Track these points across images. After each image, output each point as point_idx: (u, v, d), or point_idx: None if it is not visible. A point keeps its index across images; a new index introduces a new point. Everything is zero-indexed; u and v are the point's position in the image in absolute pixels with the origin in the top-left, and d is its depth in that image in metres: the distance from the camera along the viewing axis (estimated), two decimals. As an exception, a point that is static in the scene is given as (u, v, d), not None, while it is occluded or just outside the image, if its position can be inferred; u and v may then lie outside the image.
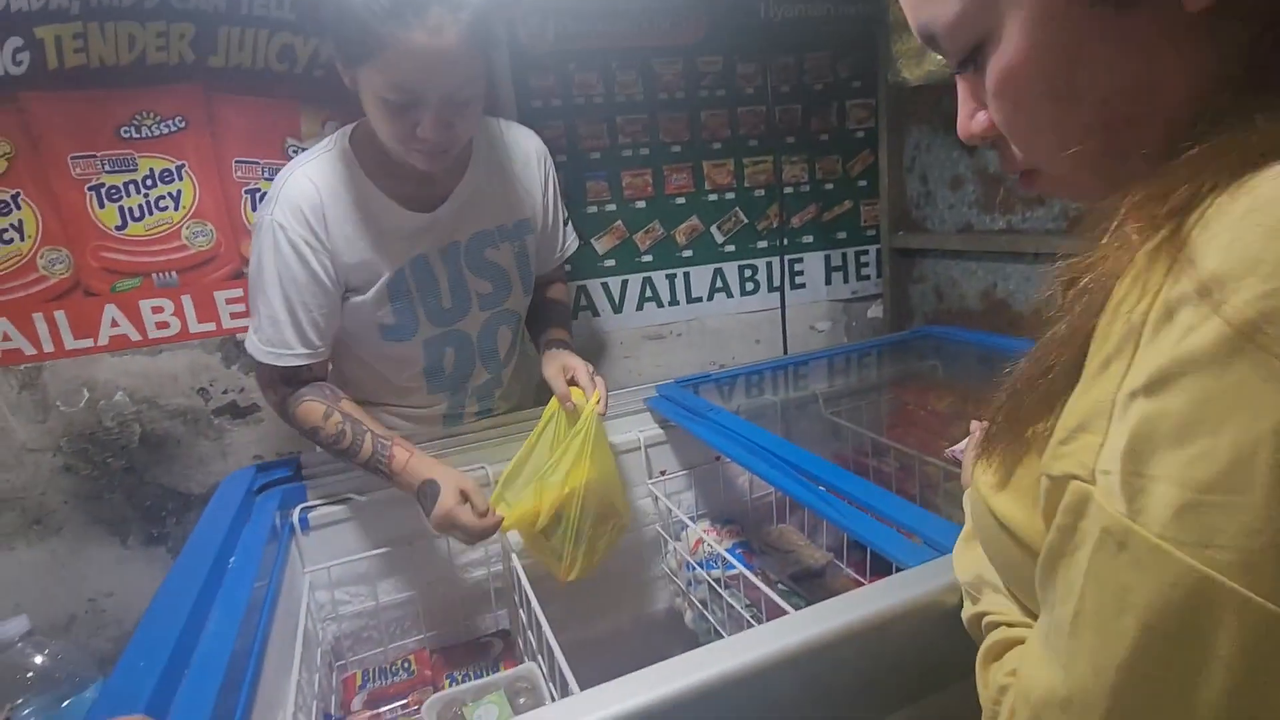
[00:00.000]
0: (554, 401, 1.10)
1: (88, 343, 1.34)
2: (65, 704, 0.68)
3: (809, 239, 1.79)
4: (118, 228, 1.32)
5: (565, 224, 1.24)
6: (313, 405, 1.00)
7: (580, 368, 1.10)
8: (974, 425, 0.69)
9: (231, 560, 0.84)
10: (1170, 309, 0.27)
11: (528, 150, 1.14)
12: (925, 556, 0.65)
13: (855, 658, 0.57)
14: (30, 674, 0.68)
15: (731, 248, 1.73)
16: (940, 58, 1.27)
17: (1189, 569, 0.26)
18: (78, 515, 1.40)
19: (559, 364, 1.12)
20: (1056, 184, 0.41)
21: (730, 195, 1.70)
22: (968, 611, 0.50)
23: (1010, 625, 0.44)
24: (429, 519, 0.95)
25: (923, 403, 1.34)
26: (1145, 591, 0.27)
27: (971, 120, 0.42)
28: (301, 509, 1.03)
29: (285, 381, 1.02)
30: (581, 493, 1.03)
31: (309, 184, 0.97)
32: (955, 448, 0.76)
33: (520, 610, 1.03)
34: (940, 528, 0.69)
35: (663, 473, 1.27)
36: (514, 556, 1.03)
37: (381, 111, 0.89)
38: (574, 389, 1.09)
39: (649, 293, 1.69)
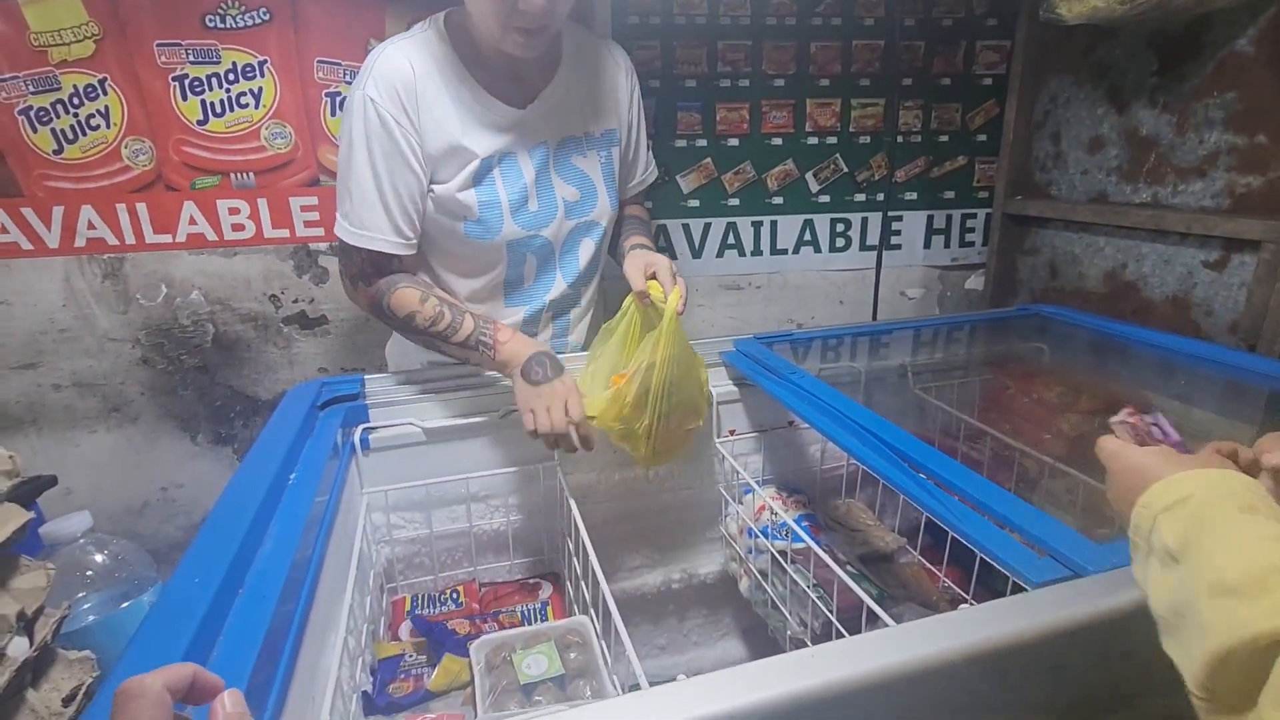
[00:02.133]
0: (629, 298, 1.03)
1: (166, 238, 1.34)
2: (124, 605, 0.68)
3: (912, 196, 1.63)
4: (199, 122, 1.29)
5: (648, 149, 1.20)
6: (408, 290, 1.00)
7: (662, 263, 1.03)
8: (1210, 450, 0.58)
9: (293, 475, 0.82)
10: None
11: (616, 62, 1.12)
12: (1053, 573, 0.56)
13: (979, 684, 0.50)
14: (90, 571, 0.68)
15: (826, 198, 1.59)
16: (1113, -8, 1.09)
17: None
18: (153, 407, 1.43)
19: (641, 261, 1.05)
20: None
21: (832, 140, 1.55)
22: (1229, 639, 0.41)
23: None
24: (529, 388, 0.94)
25: (1026, 389, 1.21)
26: None
27: None
28: (364, 429, 1.01)
29: (377, 272, 1.01)
30: (666, 384, 0.97)
31: (404, 59, 0.96)
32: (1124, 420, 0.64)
33: (575, 559, 1.00)
34: (1073, 541, 0.59)
35: (732, 432, 1.20)
36: (572, 504, 0.99)
37: None
38: (652, 284, 1.02)
39: (731, 239, 1.58)
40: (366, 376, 1.09)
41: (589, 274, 1.18)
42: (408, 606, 1.02)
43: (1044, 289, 1.57)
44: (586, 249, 1.14)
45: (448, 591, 1.05)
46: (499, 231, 1.05)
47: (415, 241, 1.02)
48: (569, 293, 1.16)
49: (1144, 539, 0.50)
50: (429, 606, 1.02)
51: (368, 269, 1.01)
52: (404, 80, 0.95)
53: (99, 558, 0.70)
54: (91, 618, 0.67)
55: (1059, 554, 0.57)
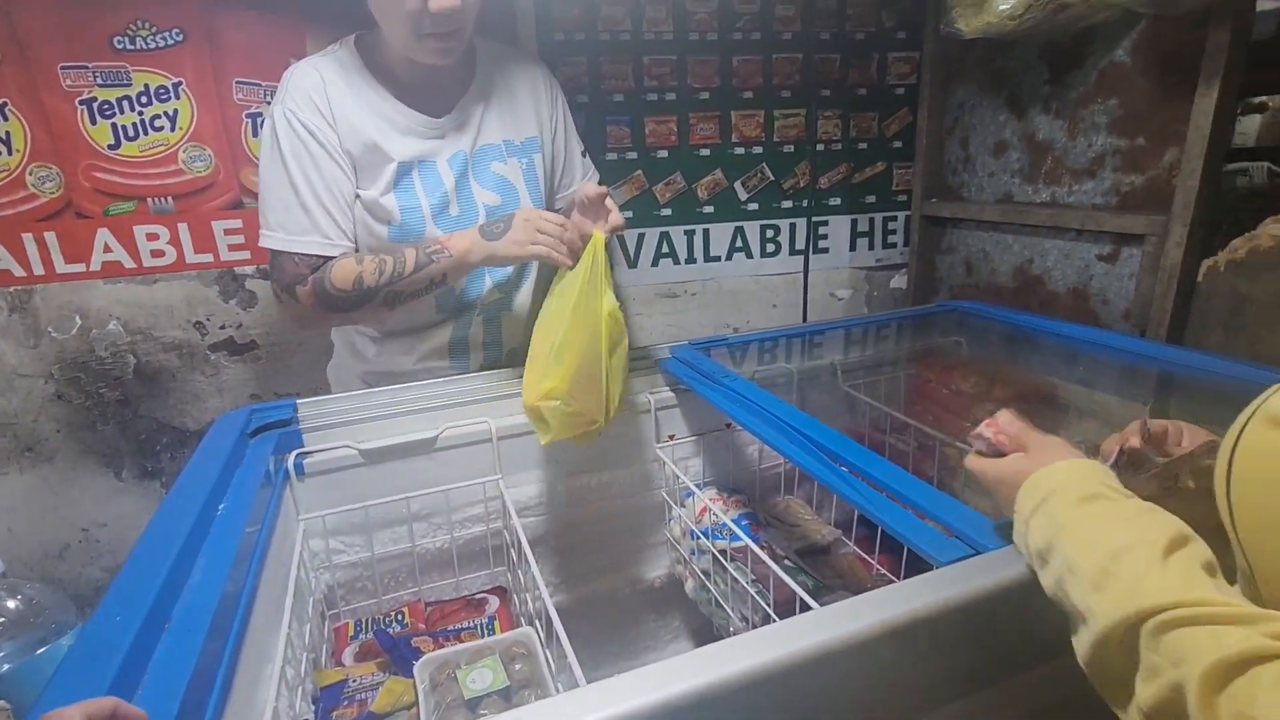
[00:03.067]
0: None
1: (79, 267, 1.29)
2: (41, 650, 0.65)
3: (836, 201, 1.70)
4: (110, 146, 1.24)
5: (584, 155, 1.25)
6: (343, 262, 1.00)
7: (588, 186, 1.03)
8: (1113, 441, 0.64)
9: (221, 506, 0.80)
10: None
11: (534, 74, 1.17)
12: (958, 552, 0.60)
13: (890, 658, 0.53)
14: (2, 619, 0.65)
15: (755, 206, 1.65)
16: (1003, 7, 1.17)
17: None
18: (70, 445, 1.36)
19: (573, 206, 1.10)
20: None
21: (757, 150, 1.61)
22: (1132, 606, 0.43)
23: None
24: (507, 240, 0.97)
25: (945, 381, 1.28)
26: None
27: None
28: (298, 454, 0.99)
29: (313, 271, 1.01)
30: (602, 331, 0.96)
31: (313, 70, 0.99)
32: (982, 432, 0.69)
33: (519, 570, 1.00)
34: (971, 520, 0.64)
35: (671, 437, 1.23)
36: (514, 514, 1.00)
37: None
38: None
39: (665, 249, 1.62)
40: (300, 401, 1.07)
41: (519, 277, 1.20)
42: (351, 632, 1.01)
43: (961, 285, 1.66)
44: None
45: (392, 613, 1.04)
46: (421, 235, 1.07)
47: (351, 245, 1.03)
48: (499, 295, 1.18)
49: (1023, 544, 0.55)
50: (373, 630, 1.01)
51: (302, 272, 1.01)
52: (315, 86, 0.98)
53: (11, 604, 0.67)
54: (5, 666, 0.64)
55: (963, 534, 0.62)
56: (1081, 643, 0.47)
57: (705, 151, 1.58)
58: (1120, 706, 0.44)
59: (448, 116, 1.07)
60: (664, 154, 1.55)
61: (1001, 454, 0.66)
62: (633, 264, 1.61)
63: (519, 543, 0.95)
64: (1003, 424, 0.67)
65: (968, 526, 0.62)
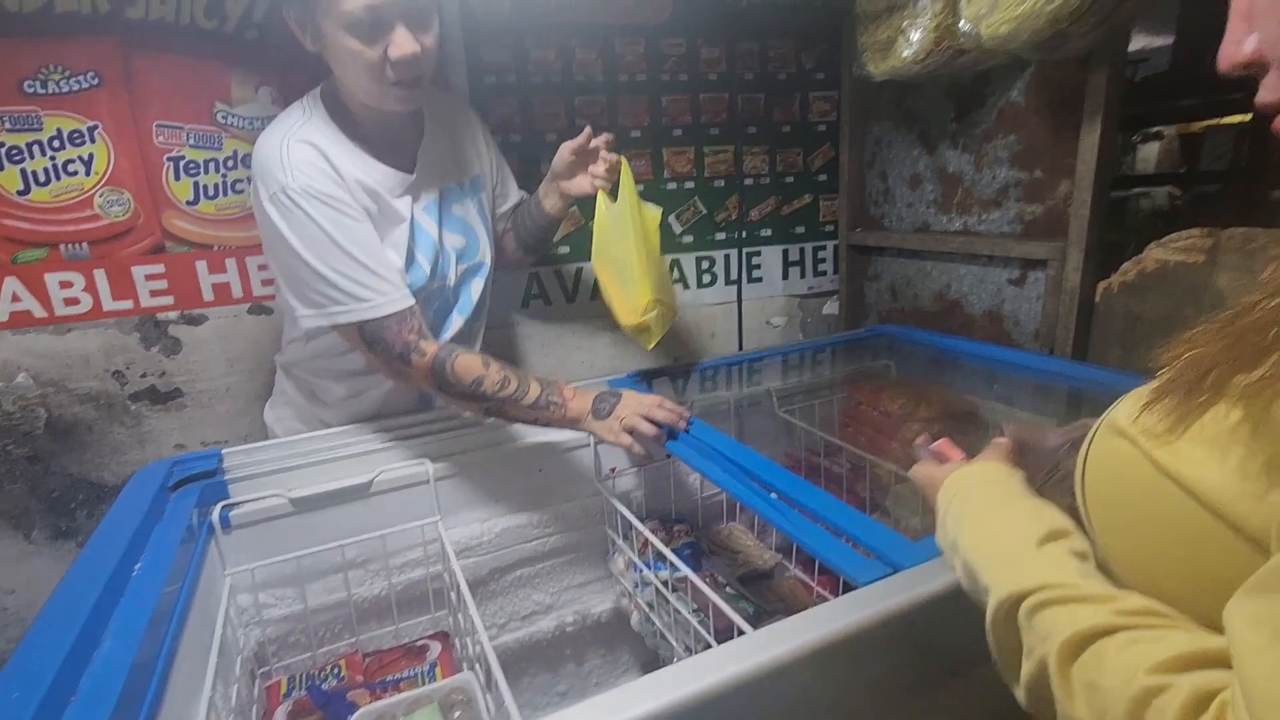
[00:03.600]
0: (599, 199, 1.15)
1: (-16, 319, 1.22)
2: (-70, 734, 0.61)
3: (767, 232, 1.76)
4: (20, 192, 1.20)
5: (511, 176, 1.32)
6: (470, 358, 1.00)
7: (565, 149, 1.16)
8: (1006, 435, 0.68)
9: (138, 565, 0.77)
10: None
11: (467, 113, 1.22)
12: (876, 573, 0.63)
13: (816, 677, 0.55)
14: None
15: (689, 239, 1.69)
16: (906, 53, 1.25)
17: None
18: (-27, 506, 1.28)
19: (550, 176, 1.21)
20: None
21: (689, 185, 1.66)
22: (1012, 589, 0.47)
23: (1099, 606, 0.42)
24: (609, 420, 1.01)
25: (875, 403, 1.33)
26: None
27: (1239, 46, 0.40)
28: (223, 506, 0.96)
29: (420, 335, 1.00)
30: (656, 239, 1.18)
31: (307, 146, 0.97)
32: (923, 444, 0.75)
33: (459, 614, 0.99)
34: (892, 542, 0.67)
35: (613, 470, 1.24)
36: (453, 557, 0.98)
37: (353, 43, 0.91)
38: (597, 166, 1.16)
39: (604, 282, 1.64)
40: (225, 451, 1.04)
41: (481, 310, 1.24)
42: (284, 689, 0.97)
43: (888, 310, 1.73)
44: (476, 288, 1.21)
45: (328, 667, 1.01)
46: (422, 285, 1.09)
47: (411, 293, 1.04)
48: (464, 330, 1.20)
49: (942, 538, 0.59)
50: (306, 687, 0.97)
51: (409, 337, 0.99)
52: (315, 157, 0.97)
53: (-102, 685, 0.62)
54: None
55: (881, 554, 0.65)
56: (986, 627, 0.50)
57: (640, 187, 1.61)
58: (1014, 684, 0.47)
59: (415, 171, 1.08)
60: (599, 190, 1.58)
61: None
62: (571, 298, 1.62)
63: (457, 585, 0.94)
64: (943, 443, 0.72)
65: (887, 547, 0.65)
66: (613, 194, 1.16)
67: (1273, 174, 3.04)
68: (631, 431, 0.99)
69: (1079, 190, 1.19)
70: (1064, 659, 0.41)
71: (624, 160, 1.14)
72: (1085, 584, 0.44)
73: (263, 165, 0.96)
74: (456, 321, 1.18)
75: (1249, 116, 2.81)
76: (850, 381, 1.49)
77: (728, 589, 1.08)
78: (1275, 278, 0.37)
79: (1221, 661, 0.36)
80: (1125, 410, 0.46)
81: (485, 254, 1.20)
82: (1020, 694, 0.46)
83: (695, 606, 1.02)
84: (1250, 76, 0.40)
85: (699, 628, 0.97)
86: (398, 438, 1.12)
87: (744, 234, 1.73)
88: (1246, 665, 0.32)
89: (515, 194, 1.31)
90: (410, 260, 1.07)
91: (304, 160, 0.95)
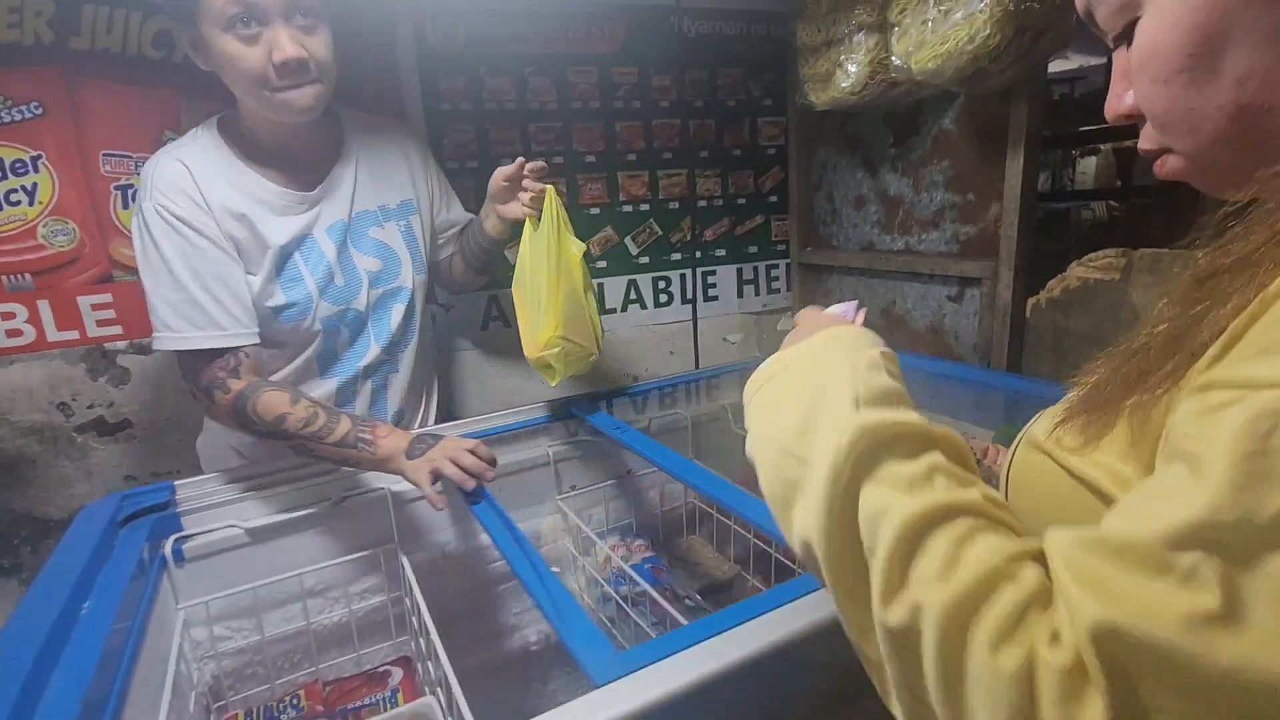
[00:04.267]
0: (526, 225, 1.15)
1: (-80, 352, 1.19)
2: None
3: (721, 252, 1.82)
4: (-42, 224, 1.17)
5: (456, 200, 1.33)
6: (275, 394, 0.97)
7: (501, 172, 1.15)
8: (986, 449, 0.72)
9: (86, 604, 0.76)
10: None
11: (404, 137, 1.22)
12: (813, 584, 0.66)
13: (757, 684, 0.57)
14: None
15: (645, 259, 1.73)
16: (845, 85, 1.32)
17: None
18: (-93, 547, 1.23)
19: (488, 198, 1.19)
20: (1187, 168, 0.42)
21: (645, 207, 1.70)
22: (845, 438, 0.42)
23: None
24: (419, 460, 0.97)
25: (826, 417, 1.38)
26: None
27: (1120, 100, 0.44)
28: (175, 539, 0.95)
29: (230, 374, 0.98)
30: (578, 274, 1.14)
31: (176, 161, 0.98)
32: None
33: (420, 639, 0.99)
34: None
35: (573, 488, 1.26)
36: (414, 582, 0.99)
37: (233, 45, 0.91)
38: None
39: (562, 303, 1.67)
40: (177, 483, 1.03)
41: (403, 338, 1.21)
42: (240, 722, 0.95)
43: (839, 326, 1.79)
44: (398, 313, 1.19)
45: (287, 698, 1.00)
46: (310, 311, 1.07)
47: (254, 331, 1.01)
48: (384, 357, 1.19)
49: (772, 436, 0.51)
50: (264, 718, 0.96)
51: (218, 374, 0.97)
52: (180, 175, 0.97)
53: None
54: None
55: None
56: (810, 520, 0.42)
57: (595, 210, 1.65)
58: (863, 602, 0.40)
59: (320, 186, 1.08)
60: (555, 214, 1.61)
61: None
62: (530, 320, 1.64)
63: (418, 609, 0.94)
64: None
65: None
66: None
67: (1192, 193, 3.23)
68: (437, 476, 0.96)
69: (1007, 213, 1.27)
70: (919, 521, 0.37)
71: (551, 190, 1.12)
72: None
73: (140, 183, 1.00)
74: (373, 349, 1.16)
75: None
76: (802, 396, 1.53)
77: (687, 601, 1.11)
78: (1159, 312, 0.41)
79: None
80: (1042, 426, 0.49)
81: (408, 279, 1.18)
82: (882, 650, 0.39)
83: (655, 620, 1.05)
84: (1133, 125, 0.45)
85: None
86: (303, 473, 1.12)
87: (699, 254, 1.78)
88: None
89: (462, 217, 1.31)
90: (294, 280, 1.05)
91: (166, 180, 0.96)
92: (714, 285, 1.83)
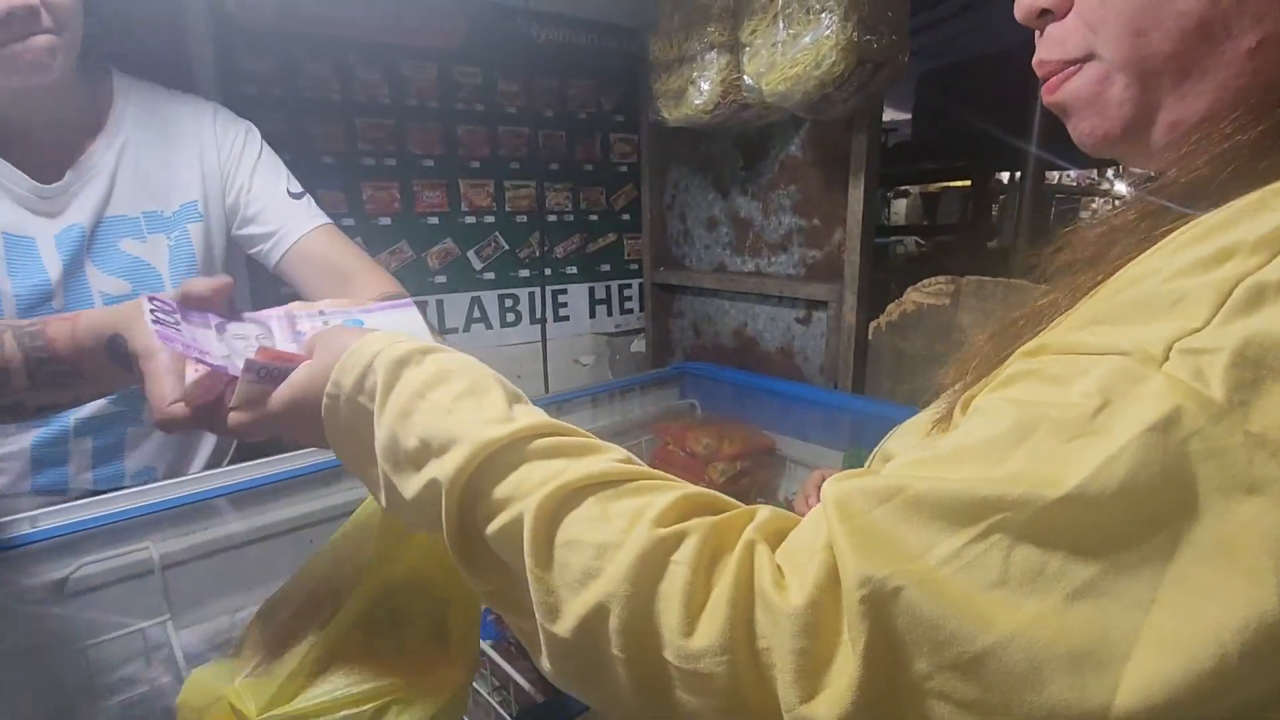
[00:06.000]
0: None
1: None
2: None
3: (572, 270, 1.73)
4: None
5: (300, 197, 0.99)
6: None
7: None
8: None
9: None
10: None
11: (200, 122, 0.94)
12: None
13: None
14: None
15: (491, 275, 1.60)
16: (697, 102, 1.29)
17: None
18: None
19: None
20: (1097, 92, 0.37)
21: (490, 219, 1.58)
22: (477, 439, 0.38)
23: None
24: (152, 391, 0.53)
25: (681, 443, 1.33)
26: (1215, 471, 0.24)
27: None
28: None
29: None
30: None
31: None
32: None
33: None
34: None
35: (402, 534, 1.09)
36: (184, 669, 0.78)
37: None
38: None
39: (396, 321, 1.49)
40: None
41: None
42: None
43: (692, 347, 1.77)
44: None
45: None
46: None
47: None
48: (116, 409, 0.92)
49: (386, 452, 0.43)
50: None
51: None
52: None
53: None
54: None
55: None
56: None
57: (434, 220, 1.50)
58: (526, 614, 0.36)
59: (60, 182, 0.83)
60: (387, 221, 1.44)
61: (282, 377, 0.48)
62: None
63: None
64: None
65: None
66: None
67: (989, 228, 3.68)
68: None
69: (849, 238, 1.30)
70: (546, 515, 0.34)
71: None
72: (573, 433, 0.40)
73: None
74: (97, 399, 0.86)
75: (969, 183, 3.41)
76: (657, 421, 1.48)
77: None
78: (972, 345, 0.42)
79: (724, 507, 0.35)
80: (895, 443, 0.48)
81: None
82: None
83: (497, 684, 0.92)
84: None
85: (499, 709, 0.86)
86: (105, 514, 0.88)
87: (549, 271, 1.68)
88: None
89: (295, 219, 0.97)
90: None
91: None
92: (565, 304, 1.74)
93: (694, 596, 0.30)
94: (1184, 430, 0.25)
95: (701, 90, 1.30)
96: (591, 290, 1.77)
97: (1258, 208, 0.28)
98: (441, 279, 1.53)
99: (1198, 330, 0.26)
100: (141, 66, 1.14)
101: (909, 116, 3.67)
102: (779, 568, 0.30)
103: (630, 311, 1.85)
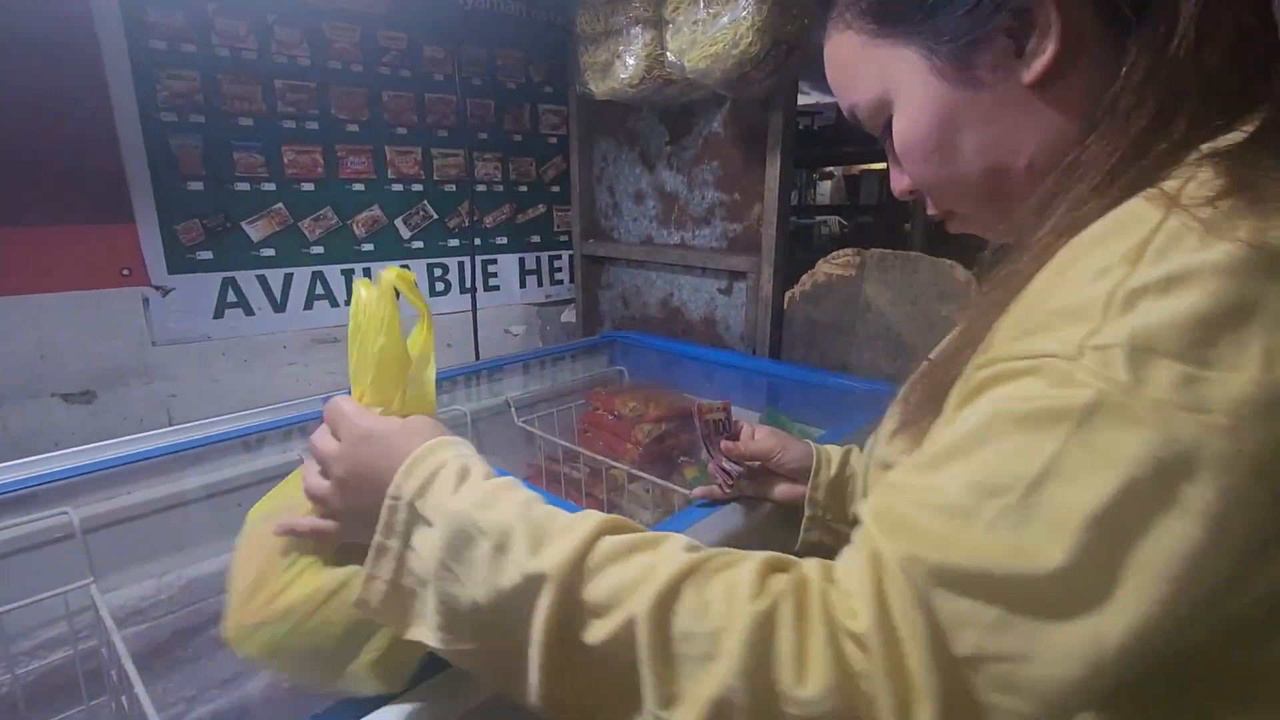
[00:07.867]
0: None
1: None
2: None
3: (502, 240, 1.75)
4: None
5: None
6: None
7: None
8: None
9: None
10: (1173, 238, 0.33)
11: None
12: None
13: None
14: None
15: (420, 244, 1.60)
16: (623, 76, 1.33)
17: (1186, 428, 0.30)
18: None
19: None
20: (969, 223, 0.51)
21: (418, 187, 1.57)
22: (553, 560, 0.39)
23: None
24: None
25: (609, 408, 1.39)
26: (1135, 448, 0.30)
27: (900, 179, 0.52)
28: None
29: None
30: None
31: None
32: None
33: (121, 697, 0.79)
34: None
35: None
36: (112, 627, 0.79)
37: None
38: None
39: (320, 289, 1.47)
40: None
41: None
42: None
43: (621, 317, 1.83)
44: None
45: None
46: None
47: None
48: None
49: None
50: None
51: None
52: None
53: None
54: None
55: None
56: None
57: (359, 186, 1.49)
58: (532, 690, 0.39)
59: None
60: (309, 186, 1.42)
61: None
62: (280, 307, 1.43)
63: (117, 661, 0.75)
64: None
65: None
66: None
67: (905, 210, 3.89)
68: None
69: (766, 213, 1.38)
70: (658, 613, 0.36)
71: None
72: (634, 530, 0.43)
73: None
74: None
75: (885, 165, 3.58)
76: (586, 387, 1.53)
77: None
78: (943, 349, 0.49)
79: (789, 564, 0.39)
80: (882, 447, 0.54)
81: None
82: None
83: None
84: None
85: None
86: (21, 477, 0.87)
87: (479, 241, 1.69)
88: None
89: None
90: None
91: None
92: (495, 275, 1.75)
93: (798, 652, 0.34)
94: (1109, 407, 0.31)
95: (627, 65, 1.34)
96: (522, 261, 1.79)
97: (1115, 231, 0.35)
98: (369, 247, 1.52)
99: (1098, 330, 0.32)
100: (40, 20, 1.09)
101: (834, 99, 3.80)
102: (847, 593, 0.35)
103: (560, 282, 1.89)
